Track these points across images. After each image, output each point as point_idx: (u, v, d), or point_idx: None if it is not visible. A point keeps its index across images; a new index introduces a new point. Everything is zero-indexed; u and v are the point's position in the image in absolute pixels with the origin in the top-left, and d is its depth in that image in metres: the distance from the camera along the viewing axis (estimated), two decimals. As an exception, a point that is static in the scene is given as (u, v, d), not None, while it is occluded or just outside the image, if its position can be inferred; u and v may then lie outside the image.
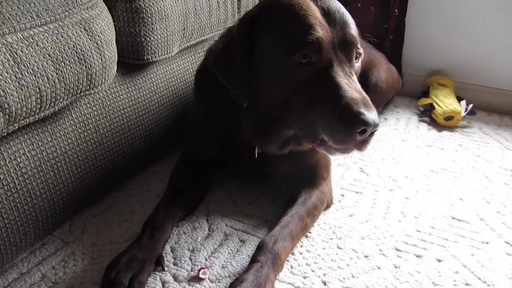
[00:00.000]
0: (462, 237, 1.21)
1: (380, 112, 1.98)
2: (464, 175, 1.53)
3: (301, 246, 1.16)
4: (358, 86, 0.98)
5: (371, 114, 0.91)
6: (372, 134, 0.94)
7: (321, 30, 0.96)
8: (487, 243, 1.20)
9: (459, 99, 1.95)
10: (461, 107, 1.85)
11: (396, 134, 1.82)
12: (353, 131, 0.90)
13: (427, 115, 1.95)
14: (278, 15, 1.01)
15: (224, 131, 1.22)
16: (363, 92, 0.97)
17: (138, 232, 1.12)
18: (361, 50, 1.05)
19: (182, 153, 1.37)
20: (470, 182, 1.48)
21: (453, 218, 1.29)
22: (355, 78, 1.01)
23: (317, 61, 0.97)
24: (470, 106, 1.88)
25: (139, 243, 1.05)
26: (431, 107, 1.93)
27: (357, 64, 1.06)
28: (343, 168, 1.54)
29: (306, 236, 1.19)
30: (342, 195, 1.39)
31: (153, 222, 1.11)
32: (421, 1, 2.08)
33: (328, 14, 1.00)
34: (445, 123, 1.87)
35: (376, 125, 0.92)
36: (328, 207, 1.31)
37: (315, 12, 0.99)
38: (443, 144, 1.74)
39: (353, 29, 1.04)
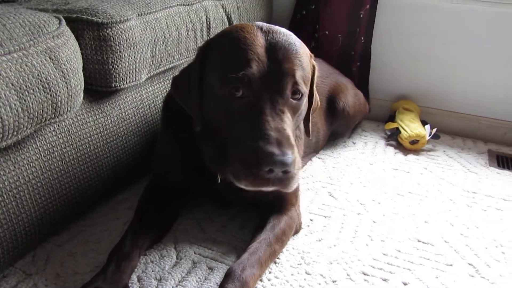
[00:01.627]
0: (427, 260, 1.24)
1: (348, 136, 2.03)
2: (429, 197, 1.57)
3: (270, 273, 1.16)
4: (282, 125, 0.98)
5: (281, 155, 0.91)
6: (287, 172, 0.94)
7: (255, 66, 0.99)
8: (451, 265, 1.22)
9: (424, 123, 2.01)
10: (425, 131, 1.91)
11: (364, 158, 1.86)
12: (259, 169, 0.92)
13: (394, 139, 2.00)
14: (225, 46, 1.06)
15: (190, 158, 1.22)
16: (285, 132, 0.97)
17: (104, 262, 1.10)
18: (301, 87, 1.04)
19: (150, 180, 1.37)
20: (435, 204, 1.52)
21: (419, 241, 1.32)
22: (286, 116, 1.01)
23: (248, 95, 1.00)
24: (434, 130, 1.94)
25: (105, 273, 1.03)
26: (397, 131, 1.98)
27: (296, 102, 1.05)
28: (312, 192, 1.56)
29: (275, 262, 1.19)
30: (311, 220, 1.40)
31: (119, 251, 1.09)
32: (386, 29, 2.16)
33: (272, 49, 1.02)
34: (411, 147, 1.92)
35: (284, 165, 0.92)
36: (296, 232, 1.31)
37: (258, 48, 1.01)
38: (409, 168, 1.78)
39: (296, 65, 1.03)
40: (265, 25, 1.08)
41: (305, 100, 1.10)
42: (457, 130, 2.13)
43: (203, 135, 1.12)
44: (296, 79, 1.02)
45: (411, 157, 1.88)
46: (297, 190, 1.33)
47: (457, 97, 2.13)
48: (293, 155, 0.95)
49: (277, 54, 1.01)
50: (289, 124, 1.01)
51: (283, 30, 1.09)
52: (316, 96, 1.25)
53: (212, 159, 1.13)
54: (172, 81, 1.18)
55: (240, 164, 0.95)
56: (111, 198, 1.47)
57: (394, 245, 1.29)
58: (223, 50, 1.05)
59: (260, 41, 1.02)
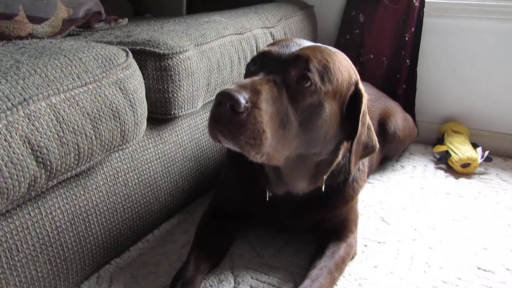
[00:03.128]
0: (490, 288, 1.21)
1: (396, 160, 2.01)
2: (486, 223, 1.53)
3: (328, 299, 1.16)
4: (260, 85, 0.90)
5: (231, 90, 0.85)
6: (236, 112, 0.85)
7: (276, 47, 1.01)
8: (515, 294, 1.19)
9: (474, 145, 1.98)
10: (477, 154, 1.87)
11: (414, 181, 1.83)
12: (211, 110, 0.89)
13: (444, 162, 1.97)
14: None
15: (248, 180, 1.24)
16: (256, 83, 0.91)
17: (164, 285, 1.13)
18: (311, 75, 0.95)
19: (209, 205, 1.40)
20: (492, 230, 1.48)
21: (479, 268, 1.29)
22: (275, 87, 0.93)
23: (258, 66, 1.02)
24: (486, 152, 1.91)
25: None
26: (447, 154, 1.95)
27: (301, 88, 0.94)
28: (364, 217, 1.55)
29: (332, 288, 1.19)
30: (365, 246, 1.39)
31: (184, 277, 1.11)
32: (432, 51, 2.15)
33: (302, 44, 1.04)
34: (462, 170, 1.89)
35: (230, 98, 0.84)
36: (352, 258, 1.31)
37: (288, 40, 1.05)
38: (462, 192, 1.75)
39: (316, 56, 0.98)
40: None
41: (321, 102, 0.96)
42: (510, 152, 2.07)
43: None
44: (308, 65, 0.95)
45: (463, 180, 1.85)
46: (357, 217, 1.34)
47: (508, 118, 2.08)
48: (249, 96, 0.86)
49: (305, 46, 1.02)
50: (273, 96, 0.91)
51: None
52: (365, 131, 1.10)
53: (262, 175, 1.16)
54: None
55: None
56: (167, 221, 1.51)
57: (454, 273, 1.27)
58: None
59: (295, 39, 1.05)
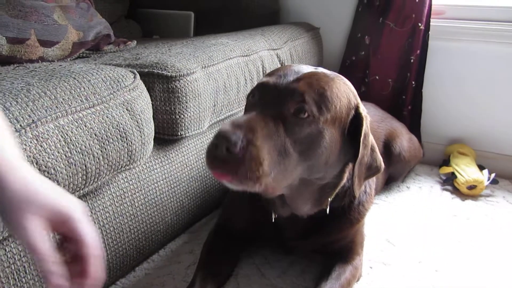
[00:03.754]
0: (497, 313, 1.20)
1: (402, 181, 2.01)
2: (494, 246, 1.51)
3: (334, 322, 1.15)
4: (255, 123, 0.91)
5: (226, 131, 0.86)
6: (232, 153, 0.86)
7: (274, 78, 1.01)
8: (523, 319, 1.17)
9: (480, 167, 1.97)
10: (483, 176, 1.87)
11: (420, 203, 1.83)
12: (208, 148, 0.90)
13: (450, 183, 1.96)
14: None
15: (257, 202, 1.24)
16: (251, 121, 0.91)
17: (170, 306, 1.13)
18: (308, 106, 0.95)
19: (215, 225, 1.40)
20: (501, 253, 1.47)
21: (486, 292, 1.28)
22: (271, 123, 0.93)
23: (256, 98, 1.02)
24: (493, 175, 1.90)
25: None
26: (453, 175, 1.95)
27: (298, 120, 0.94)
28: (369, 238, 1.54)
29: (338, 312, 1.18)
30: (371, 267, 1.39)
31: (190, 298, 1.11)
32: (438, 72, 2.16)
33: (299, 72, 1.03)
34: (468, 192, 1.88)
35: (226, 140, 0.85)
36: (358, 280, 1.30)
37: (287, 69, 1.04)
38: (468, 214, 1.74)
39: (312, 86, 0.98)
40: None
41: (320, 131, 0.97)
42: (516, 175, 2.07)
43: None
44: (304, 97, 0.95)
45: (469, 202, 1.84)
46: (363, 240, 1.33)
47: (514, 141, 2.09)
48: (244, 135, 0.87)
49: (301, 74, 1.01)
50: (269, 132, 0.92)
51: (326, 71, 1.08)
52: (368, 152, 1.10)
53: (266, 198, 1.16)
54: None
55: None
56: (173, 241, 1.51)
57: (461, 296, 1.26)
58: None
59: (293, 67, 1.05)
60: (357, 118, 1.05)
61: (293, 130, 0.95)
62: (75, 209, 0.65)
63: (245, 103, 1.13)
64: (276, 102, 0.96)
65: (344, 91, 1.04)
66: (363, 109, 1.08)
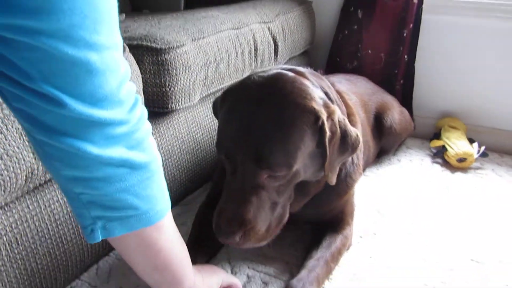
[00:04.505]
0: (481, 279, 1.22)
1: (393, 154, 2.03)
2: (482, 217, 1.54)
3: (323, 289, 1.18)
4: (245, 207, 1.00)
5: (225, 236, 1.01)
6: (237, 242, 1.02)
7: (231, 143, 1.02)
8: (507, 285, 1.21)
9: (471, 141, 1.99)
10: (473, 149, 1.89)
11: (410, 175, 1.85)
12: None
13: (440, 156, 1.99)
14: (223, 113, 1.09)
15: None
16: (243, 206, 1.00)
17: (163, 276, 1.14)
18: (278, 172, 0.99)
19: (206, 197, 1.41)
20: (489, 224, 1.50)
21: (472, 260, 1.31)
22: (254, 195, 1.00)
23: (229, 163, 1.04)
24: (483, 148, 1.92)
25: None
26: (443, 149, 1.96)
27: (276, 178, 1.01)
28: (359, 209, 1.56)
29: (328, 278, 1.21)
30: (360, 237, 1.41)
31: (180, 267, 1.13)
32: (430, 47, 2.16)
33: (252, 125, 0.99)
34: (458, 165, 1.90)
35: (229, 242, 1.03)
36: (348, 249, 1.33)
37: (241, 121, 1.01)
38: (457, 186, 1.76)
39: (272, 151, 0.97)
40: (274, 78, 1.06)
41: (294, 173, 1.02)
42: (505, 148, 2.09)
43: None
44: (272, 169, 0.99)
45: (459, 175, 1.86)
46: (353, 210, 1.36)
47: (505, 115, 2.10)
48: (239, 228, 0.99)
49: (256, 132, 0.99)
50: (259, 200, 1.01)
51: (283, 93, 1.02)
52: (338, 142, 1.07)
53: None
54: (213, 102, 1.25)
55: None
56: (165, 214, 1.52)
57: (447, 264, 1.28)
58: (222, 115, 1.10)
59: (245, 113, 1.01)
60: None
61: (273, 187, 1.03)
62: None
63: (236, 78, 1.12)
64: (249, 174, 1.00)
65: (306, 121, 1.00)
66: (326, 123, 1.03)
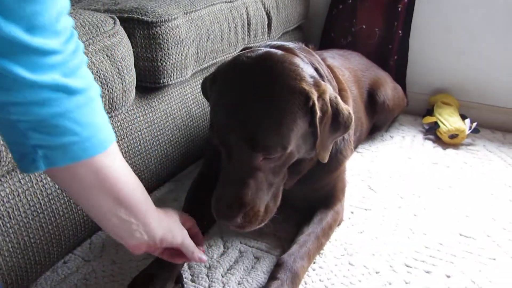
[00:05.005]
0: (469, 253, 1.25)
1: (385, 130, 2.03)
2: (470, 192, 1.56)
3: (314, 263, 1.19)
4: (243, 189, 0.99)
5: (226, 219, 1.01)
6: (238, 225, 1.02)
7: (225, 128, 1.00)
8: (494, 259, 1.23)
9: (463, 117, 2.00)
10: (465, 126, 1.90)
11: (402, 151, 1.86)
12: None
13: (432, 133, 1.99)
14: (215, 90, 1.07)
15: None
16: (241, 189, 0.99)
17: (156, 250, 1.16)
18: (273, 152, 0.99)
19: (199, 173, 1.41)
20: (476, 199, 1.52)
21: (461, 234, 1.33)
22: (252, 178, 1.00)
23: (222, 145, 1.04)
24: (474, 124, 1.93)
25: (159, 261, 1.08)
26: (435, 125, 1.97)
27: (271, 159, 1.00)
28: (351, 185, 1.58)
29: (319, 253, 1.23)
30: (352, 212, 1.43)
31: (173, 243, 1.14)
32: (424, 22, 2.14)
33: (244, 104, 0.99)
34: (450, 141, 1.91)
35: (231, 225, 1.02)
36: (339, 224, 1.34)
37: (234, 98, 1.01)
38: (448, 162, 1.78)
39: (266, 131, 0.97)
40: (263, 59, 1.03)
41: (288, 154, 1.03)
42: (497, 124, 2.10)
43: None
44: (268, 151, 0.98)
45: (450, 151, 1.88)
46: (344, 186, 1.37)
47: (497, 91, 2.10)
48: (240, 211, 0.99)
49: (249, 117, 0.98)
50: (256, 181, 1.01)
51: (273, 75, 1.00)
52: (329, 122, 1.07)
53: None
54: (203, 81, 1.22)
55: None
56: (158, 190, 1.53)
57: (436, 239, 1.31)
58: (213, 99, 1.08)
59: (237, 98, 1.00)
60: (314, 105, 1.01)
61: (268, 168, 1.02)
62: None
63: (230, 56, 1.10)
64: (244, 156, 0.99)
65: (298, 104, 0.99)
66: (317, 103, 1.02)
